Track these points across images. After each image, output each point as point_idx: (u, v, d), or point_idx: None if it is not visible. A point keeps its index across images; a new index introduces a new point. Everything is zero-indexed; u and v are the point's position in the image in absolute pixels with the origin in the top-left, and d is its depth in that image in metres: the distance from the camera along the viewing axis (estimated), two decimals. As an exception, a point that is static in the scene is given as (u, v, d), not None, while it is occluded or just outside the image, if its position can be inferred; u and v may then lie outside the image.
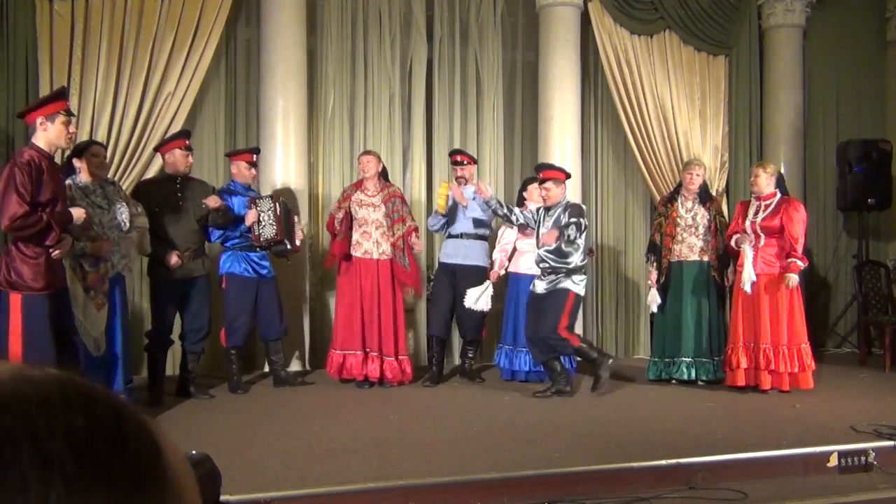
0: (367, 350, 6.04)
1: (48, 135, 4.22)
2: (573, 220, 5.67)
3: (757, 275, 5.82)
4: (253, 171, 6.08)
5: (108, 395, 0.60)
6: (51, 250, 4.20)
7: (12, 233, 4.17)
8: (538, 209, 5.99)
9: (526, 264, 6.33)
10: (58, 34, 6.15)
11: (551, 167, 6.15)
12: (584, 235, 5.79)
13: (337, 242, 6.07)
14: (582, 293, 5.87)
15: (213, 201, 5.58)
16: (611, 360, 5.84)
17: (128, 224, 4.97)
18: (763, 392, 5.77)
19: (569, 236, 5.62)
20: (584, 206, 5.97)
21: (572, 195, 7.49)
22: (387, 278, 6.07)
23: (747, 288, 5.79)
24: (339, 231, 6.04)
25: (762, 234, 5.87)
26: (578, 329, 7.54)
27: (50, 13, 6.14)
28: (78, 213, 4.38)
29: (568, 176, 6.13)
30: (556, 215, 5.82)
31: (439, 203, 6.19)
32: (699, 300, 6.26)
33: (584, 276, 5.85)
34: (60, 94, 4.48)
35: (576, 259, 5.74)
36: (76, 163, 4.90)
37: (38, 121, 4.21)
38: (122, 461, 0.57)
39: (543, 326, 5.71)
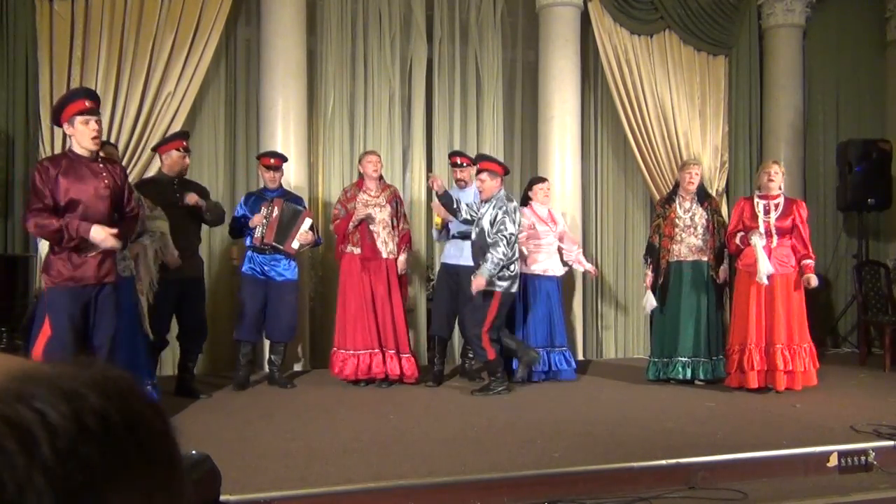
0: (384, 348, 6.09)
1: (75, 137, 4.34)
2: (496, 212, 5.76)
3: (771, 275, 5.81)
4: (272, 174, 6.10)
5: (131, 386, 0.62)
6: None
7: (33, 231, 4.35)
8: (480, 203, 5.98)
9: (535, 264, 6.34)
10: (58, 34, 6.15)
11: (490, 159, 6.10)
12: (509, 230, 5.76)
13: (343, 235, 6.13)
14: (509, 290, 5.84)
15: (191, 198, 5.62)
16: (507, 387, 5.88)
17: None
18: (778, 392, 5.76)
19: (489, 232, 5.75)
20: (512, 200, 5.93)
21: (573, 195, 7.53)
22: (395, 277, 6.19)
23: (764, 280, 5.73)
24: (349, 232, 6.09)
25: (775, 235, 5.86)
26: (579, 329, 7.59)
27: (50, 13, 6.14)
28: (96, 234, 4.24)
29: (506, 171, 6.12)
30: (488, 210, 5.84)
31: (436, 222, 6.35)
32: (697, 300, 6.25)
33: (511, 273, 5.81)
34: (73, 96, 4.46)
35: (497, 255, 5.73)
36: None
37: (65, 126, 4.35)
38: (143, 447, 0.59)
39: (471, 324, 5.84)
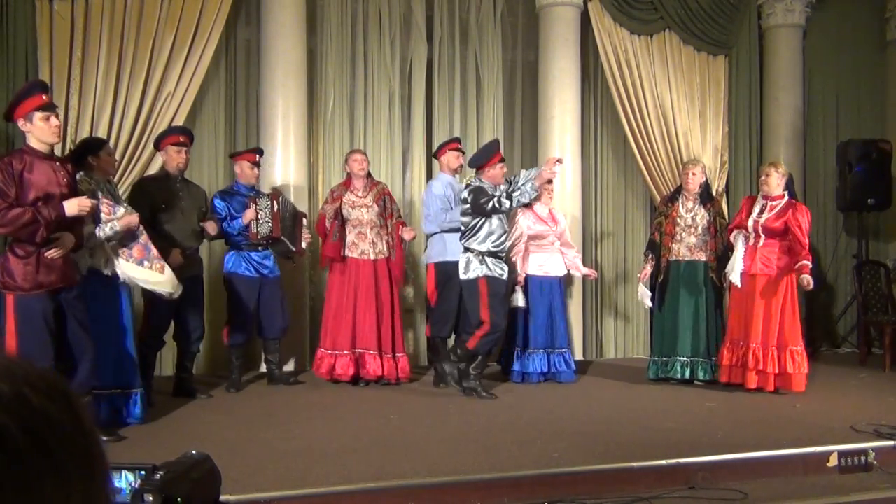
0: (363, 350, 6.06)
1: (33, 133, 4.16)
2: None
3: (754, 274, 5.83)
4: (256, 171, 6.09)
5: (61, 381, 0.63)
6: (43, 250, 4.12)
7: (5, 230, 4.10)
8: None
9: (535, 265, 6.34)
10: (58, 34, 6.15)
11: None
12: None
13: (330, 244, 6.06)
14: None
15: (211, 228, 5.63)
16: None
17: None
18: (749, 391, 5.77)
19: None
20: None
21: (573, 195, 7.55)
22: (384, 278, 6.14)
23: (734, 279, 5.84)
24: (330, 232, 6.06)
25: (763, 234, 5.86)
26: (578, 329, 7.59)
27: (50, 13, 6.14)
28: (70, 207, 4.15)
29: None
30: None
31: None
32: (696, 300, 6.26)
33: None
34: (30, 90, 4.28)
35: None
36: (92, 160, 4.77)
37: (20, 123, 4.18)
38: (81, 438, 0.60)
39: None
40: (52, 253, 4.15)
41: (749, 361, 5.78)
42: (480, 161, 5.83)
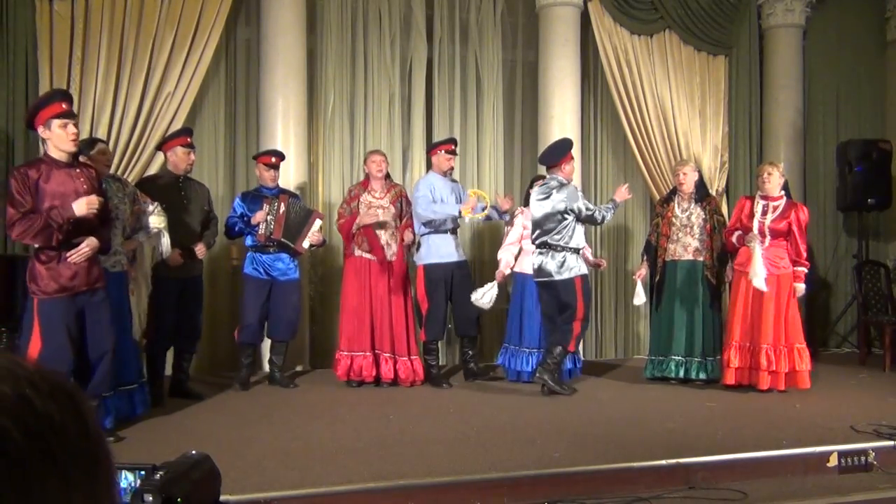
0: (378, 351, 6.05)
1: (52, 141, 4.21)
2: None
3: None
4: (272, 173, 6.09)
5: (67, 382, 0.62)
6: (67, 254, 4.17)
7: (20, 239, 4.21)
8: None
9: (531, 264, 6.32)
10: (58, 34, 6.15)
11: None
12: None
13: (375, 246, 6.05)
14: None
15: (200, 251, 5.57)
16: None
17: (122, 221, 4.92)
18: (761, 391, 5.76)
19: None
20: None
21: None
22: (397, 279, 6.11)
23: (759, 284, 5.66)
24: (370, 236, 6.05)
25: (769, 236, 5.86)
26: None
27: (50, 13, 6.14)
28: (79, 207, 4.14)
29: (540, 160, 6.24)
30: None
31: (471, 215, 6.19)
32: (692, 300, 6.26)
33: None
34: (49, 99, 4.33)
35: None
36: (81, 160, 4.82)
37: (40, 130, 4.22)
38: (86, 441, 0.59)
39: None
40: (74, 257, 4.19)
41: (762, 363, 5.75)
42: (554, 159, 5.84)
